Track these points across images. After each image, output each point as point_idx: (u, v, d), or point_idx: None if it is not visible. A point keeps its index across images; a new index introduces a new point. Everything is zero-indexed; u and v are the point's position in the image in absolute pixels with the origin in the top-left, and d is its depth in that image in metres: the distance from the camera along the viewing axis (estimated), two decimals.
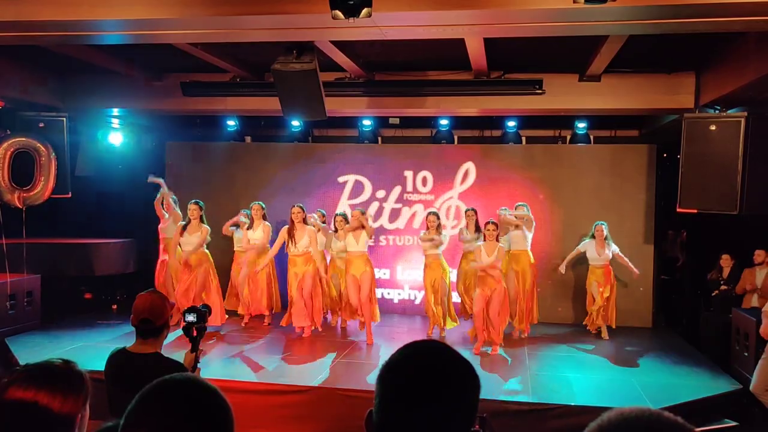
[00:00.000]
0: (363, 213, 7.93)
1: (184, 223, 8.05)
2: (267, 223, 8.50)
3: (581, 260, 8.59)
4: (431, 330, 8.28)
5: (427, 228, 8.10)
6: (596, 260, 8.25)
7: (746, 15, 4.53)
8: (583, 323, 8.55)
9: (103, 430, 1.77)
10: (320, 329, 8.25)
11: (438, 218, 8.08)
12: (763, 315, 6.10)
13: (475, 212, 8.52)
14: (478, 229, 8.36)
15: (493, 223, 7.54)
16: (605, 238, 8.20)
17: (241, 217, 8.76)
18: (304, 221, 8.01)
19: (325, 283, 8.28)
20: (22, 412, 1.66)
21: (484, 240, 7.53)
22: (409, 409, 1.21)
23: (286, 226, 8.07)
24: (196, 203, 8.00)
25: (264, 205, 8.54)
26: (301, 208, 8.04)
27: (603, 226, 8.22)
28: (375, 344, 7.84)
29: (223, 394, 1.33)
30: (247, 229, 8.52)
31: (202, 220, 7.98)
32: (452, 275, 8.40)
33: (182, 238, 7.94)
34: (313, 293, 8.04)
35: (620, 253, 8.28)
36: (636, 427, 0.98)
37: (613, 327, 8.38)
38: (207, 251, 8.11)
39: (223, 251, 9.05)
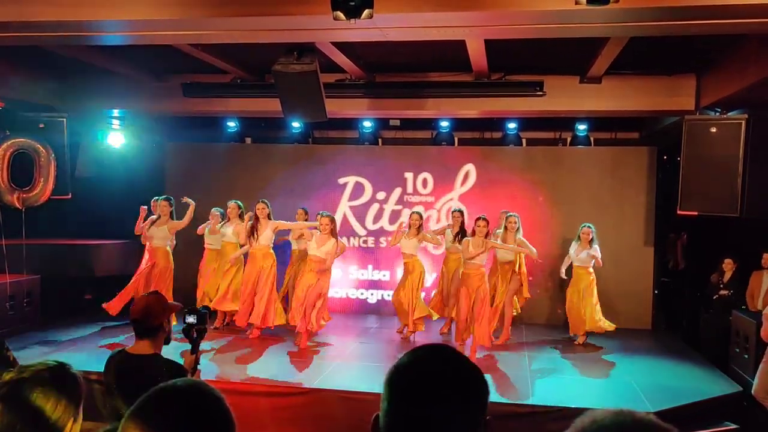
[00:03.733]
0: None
1: (155, 217, 8.11)
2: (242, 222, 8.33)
3: None
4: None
5: (409, 227, 8.07)
6: (576, 260, 8.10)
7: (747, 17, 4.53)
8: (572, 335, 8.30)
9: None
10: (271, 328, 8.02)
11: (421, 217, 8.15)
12: (764, 317, 6.09)
13: (462, 214, 8.36)
14: (463, 232, 8.19)
15: (483, 219, 7.30)
16: (591, 241, 8.04)
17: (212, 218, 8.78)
18: (269, 217, 7.95)
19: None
20: (16, 414, 1.65)
21: (473, 236, 7.32)
22: (416, 412, 1.20)
23: (251, 222, 8.02)
24: (167, 199, 8.09)
25: (241, 204, 8.49)
26: (265, 204, 7.96)
27: (590, 229, 8.10)
28: (374, 347, 7.83)
29: (225, 401, 1.32)
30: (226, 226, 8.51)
31: (171, 217, 8.05)
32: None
33: (149, 230, 8.04)
34: (268, 290, 7.87)
35: (595, 255, 7.95)
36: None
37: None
38: (169, 250, 8.14)
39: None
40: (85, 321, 8.72)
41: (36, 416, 1.66)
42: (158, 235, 8.05)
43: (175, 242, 8.39)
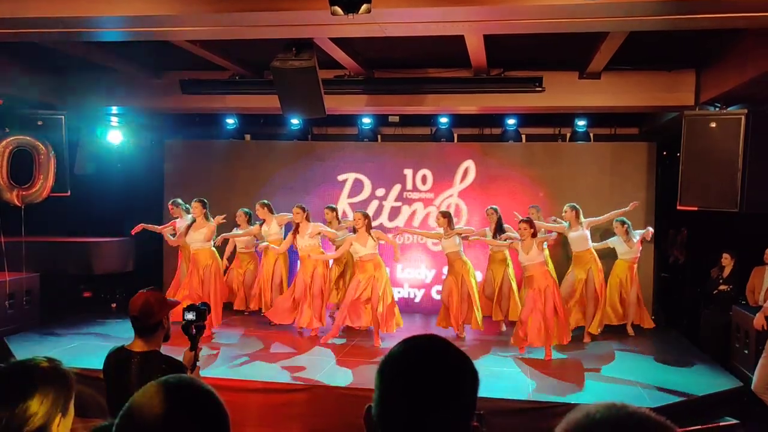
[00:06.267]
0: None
1: (189, 222, 7.99)
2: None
3: None
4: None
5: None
6: (626, 254, 8.37)
7: (747, 11, 4.52)
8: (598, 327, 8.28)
9: (98, 429, 1.76)
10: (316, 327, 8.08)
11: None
12: (763, 309, 6.10)
13: (496, 211, 8.33)
14: (500, 228, 8.21)
15: (525, 221, 7.35)
16: (627, 233, 8.29)
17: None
18: (307, 219, 8.02)
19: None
20: (1, 409, 1.65)
21: (520, 239, 7.32)
22: (407, 403, 1.20)
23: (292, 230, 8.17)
24: (199, 201, 7.94)
25: (254, 208, 8.61)
26: (301, 208, 8.03)
27: (619, 223, 8.31)
28: (374, 344, 7.83)
29: (218, 396, 1.31)
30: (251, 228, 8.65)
31: (206, 218, 7.91)
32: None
33: (188, 236, 7.90)
34: (318, 292, 7.95)
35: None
36: (603, 427, 0.96)
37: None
38: (214, 249, 8.03)
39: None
40: (85, 318, 8.72)
41: (21, 411, 1.65)
42: (198, 238, 7.86)
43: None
